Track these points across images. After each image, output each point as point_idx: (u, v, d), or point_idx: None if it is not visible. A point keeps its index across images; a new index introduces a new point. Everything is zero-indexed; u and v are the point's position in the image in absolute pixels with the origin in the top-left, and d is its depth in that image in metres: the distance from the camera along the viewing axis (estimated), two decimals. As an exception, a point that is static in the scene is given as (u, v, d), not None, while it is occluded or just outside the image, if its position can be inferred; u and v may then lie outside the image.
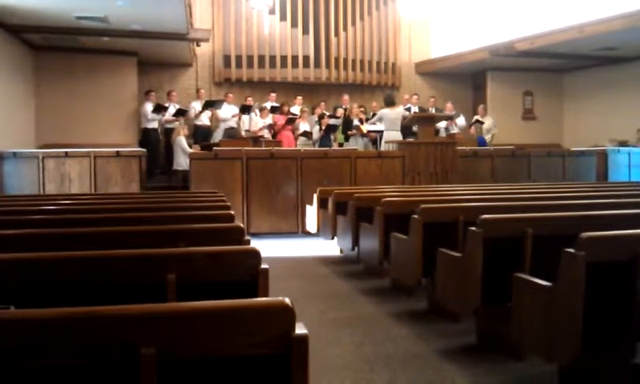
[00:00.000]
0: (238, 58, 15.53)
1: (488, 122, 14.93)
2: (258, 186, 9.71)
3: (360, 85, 16.47)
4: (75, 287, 2.46)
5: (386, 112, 11.88)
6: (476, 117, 14.93)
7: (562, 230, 3.70)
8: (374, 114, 13.08)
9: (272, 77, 15.55)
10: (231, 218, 4.11)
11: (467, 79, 17.48)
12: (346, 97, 15.07)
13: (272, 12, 14.98)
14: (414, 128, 12.37)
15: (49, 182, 9.96)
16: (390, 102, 11.97)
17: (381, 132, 12.31)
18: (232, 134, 13.37)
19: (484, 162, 11.44)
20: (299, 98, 14.95)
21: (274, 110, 13.87)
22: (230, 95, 14.29)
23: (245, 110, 13.51)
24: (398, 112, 12.11)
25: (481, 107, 15.43)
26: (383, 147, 11.80)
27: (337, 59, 15.92)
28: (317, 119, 13.95)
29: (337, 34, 15.95)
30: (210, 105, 13.55)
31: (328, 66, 15.78)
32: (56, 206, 5.37)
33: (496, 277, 3.72)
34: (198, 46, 14.50)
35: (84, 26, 11.23)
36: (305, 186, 9.73)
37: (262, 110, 13.68)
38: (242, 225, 3.52)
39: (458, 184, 9.46)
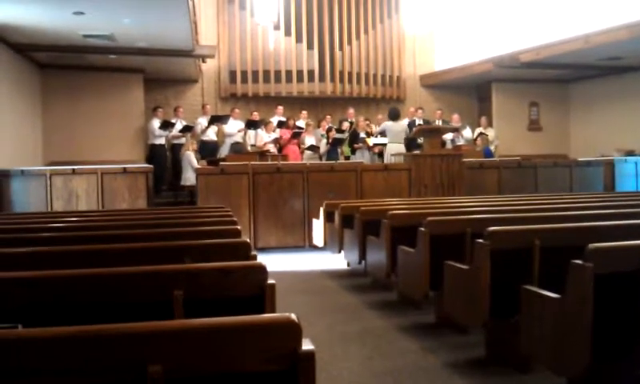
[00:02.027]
0: (244, 74, 15.61)
1: (490, 134, 14.96)
2: (264, 201, 9.72)
3: (365, 98, 16.51)
4: (83, 305, 2.46)
5: (389, 125, 11.99)
6: (479, 129, 14.94)
7: (569, 242, 3.68)
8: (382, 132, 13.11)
9: (277, 91, 15.61)
10: (238, 234, 4.11)
11: (472, 91, 17.49)
12: (351, 110, 15.13)
13: (277, 27, 15.05)
14: (420, 140, 12.40)
15: (56, 200, 9.99)
16: (394, 116, 12.06)
17: (385, 145, 12.37)
18: (238, 148, 13.40)
19: (490, 174, 11.41)
20: (304, 112, 15.00)
21: (280, 124, 13.91)
22: (236, 110, 14.35)
23: (251, 125, 13.55)
24: (401, 125, 12.19)
25: (483, 119, 15.50)
26: (387, 159, 11.81)
27: (342, 73, 15.97)
28: (323, 133, 14.02)
29: (341, 48, 16.01)
30: (216, 120, 13.61)
31: (333, 79, 15.83)
32: (64, 223, 5.39)
33: (504, 289, 3.70)
34: (203, 62, 14.59)
35: (91, 44, 11.32)
36: (311, 200, 9.73)
37: (266, 124, 13.73)
38: (248, 240, 3.52)
39: (465, 196, 9.45)
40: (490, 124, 15.69)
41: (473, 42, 15.67)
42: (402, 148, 11.95)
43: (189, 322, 1.72)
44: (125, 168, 10.43)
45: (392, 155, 11.64)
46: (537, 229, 3.96)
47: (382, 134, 12.76)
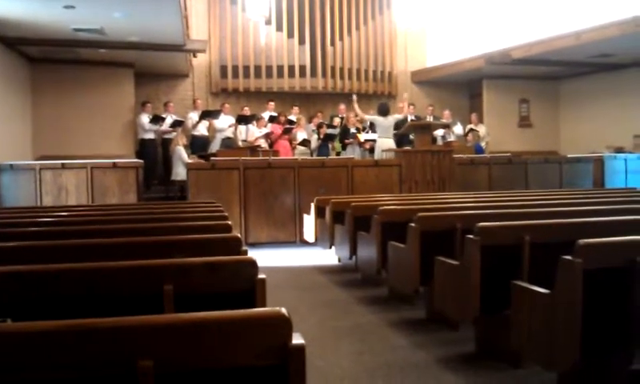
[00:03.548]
0: (235, 69, 15.57)
1: (481, 130, 15.01)
2: (255, 196, 9.71)
3: (356, 94, 16.42)
4: (72, 299, 2.45)
5: (379, 120, 11.94)
6: (469, 125, 14.98)
7: (559, 237, 3.70)
8: (371, 125, 13.08)
9: (269, 87, 15.58)
10: (228, 229, 4.10)
11: (463, 87, 17.53)
12: (342, 106, 15.10)
13: (268, 22, 15.00)
14: (411, 136, 12.40)
15: (46, 194, 9.94)
16: (383, 111, 12.00)
17: (374, 140, 12.37)
18: (229, 144, 13.39)
19: (481, 170, 11.46)
20: (295, 108, 14.98)
21: (272, 119, 13.89)
22: (227, 105, 14.32)
23: (242, 120, 13.52)
24: (390, 120, 12.16)
25: (473, 115, 15.54)
26: (377, 155, 11.82)
27: (333, 68, 15.96)
28: (314, 128, 14.01)
29: (333, 43, 15.99)
30: (207, 115, 13.57)
31: (324, 75, 15.81)
32: (53, 217, 5.36)
33: (494, 284, 3.71)
34: (194, 56, 14.53)
35: (81, 37, 11.24)
36: (302, 196, 9.73)
37: (258, 119, 13.70)
38: (239, 235, 3.51)
39: (456, 192, 9.47)
40: (480, 120, 15.72)
41: (464, 38, 15.69)
42: (391, 143, 11.96)
43: (179, 317, 1.72)
44: (115, 163, 10.39)
45: (383, 151, 11.63)
46: (527, 225, 3.98)
47: (371, 125, 12.75)
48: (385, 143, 11.79)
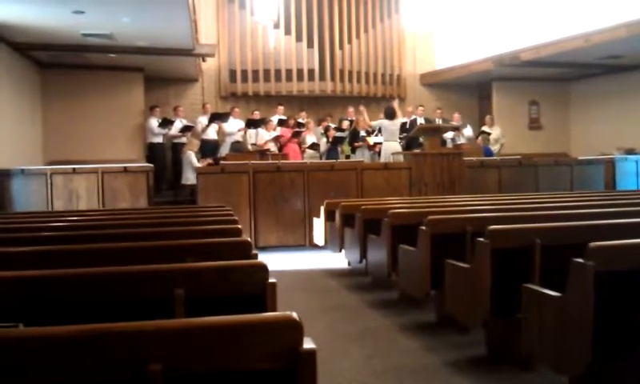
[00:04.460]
0: (244, 73, 15.61)
1: (496, 132, 14.93)
2: (265, 200, 9.72)
3: (365, 97, 16.47)
4: (83, 304, 2.46)
5: (386, 123, 11.94)
6: (483, 127, 14.93)
7: (570, 240, 3.68)
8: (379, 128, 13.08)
9: (277, 90, 15.61)
10: (238, 233, 4.11)
11: (473, 90, 17.48)
12: (351, 109, 15.09)
13: (277, 26, 15.04)
14: (421, 139, 12.38)
15: (57, 199, 9.99)
16: (389, 114, 11.99)
17: (381, 143, 12.37)
18: (238, 147, 13.40)
19: (491, 173, 11.41)
20: (303, 113, 14.96)
21: (281, 123, 13.91)
22: (236, 109, 14.35)
23: (251, 123, 13.55)
24: (396, 124, 12.15)
25: (488, 117, 15.47)
26: (383, 158, 11.80)
27: (342, 72, 15.97)
28: (323, 131, 14.02)
29: (341, 46, 16.01)
30: (216, 118, 13.59)
31: (333, 78, 15.82)
32: (64, 222, 5.39)
33: (505, 288, 3.70)
34: (203, 61, 14.58)
35: (90, 42, 11.32)
36: (312, 199, 9.73)
37: (267, 123, 13.72)
38: (249, 239, 3.52)
39: (465, 195, 9.44)
40: (495, 122, 15.64)
41: (473, 40, 15.66)
42: (397, 146, 11.97)
43: (190, 321, 1.72)
44: (125, 167, 10.42)
45: (392, 154, 11.62)
46: (537, 227, 3.96)
47: (378, 131, 12.76)
48: (391, 146, 11.78)
